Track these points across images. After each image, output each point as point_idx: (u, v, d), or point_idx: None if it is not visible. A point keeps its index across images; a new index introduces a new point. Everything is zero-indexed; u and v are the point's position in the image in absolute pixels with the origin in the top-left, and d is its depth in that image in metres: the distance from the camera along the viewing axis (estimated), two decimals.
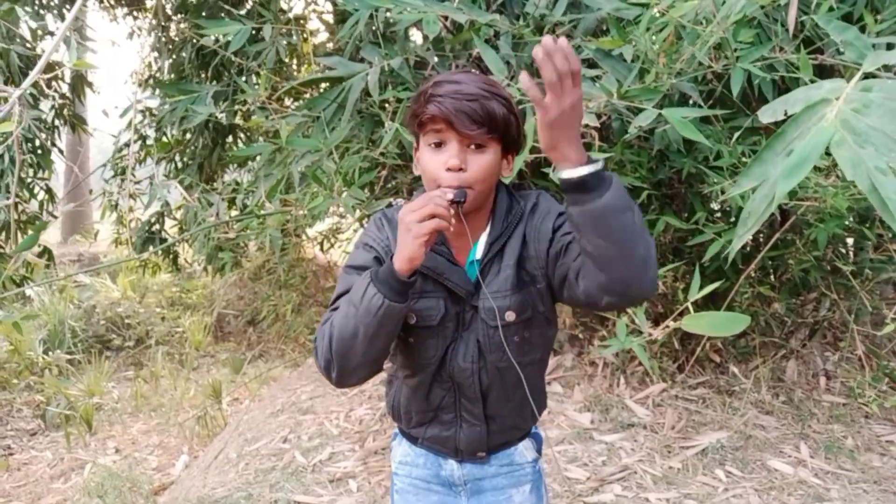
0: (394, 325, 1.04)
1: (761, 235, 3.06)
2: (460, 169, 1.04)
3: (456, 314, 1.13)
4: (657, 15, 1.81)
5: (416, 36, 3.18)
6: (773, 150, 0.76)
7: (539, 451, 1.33)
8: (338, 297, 1.12)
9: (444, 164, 1.05)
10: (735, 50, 1.66)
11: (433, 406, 1.20)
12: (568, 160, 0.92)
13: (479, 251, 1.13)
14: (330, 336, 1.05)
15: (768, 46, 1.67)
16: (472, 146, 1.05)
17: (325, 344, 1.06)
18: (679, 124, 1.60)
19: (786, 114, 0.80)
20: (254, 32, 3.92)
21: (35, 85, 3.97)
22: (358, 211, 2.69)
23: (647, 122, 1.62)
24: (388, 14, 2.06)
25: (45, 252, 4.30)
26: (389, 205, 1.25)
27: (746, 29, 1.72)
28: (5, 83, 3.64)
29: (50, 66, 4.44)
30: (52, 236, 10.37)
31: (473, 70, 1.17)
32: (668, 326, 1.46)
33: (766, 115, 0.83)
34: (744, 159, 2.00)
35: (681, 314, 1.66)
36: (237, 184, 3.39)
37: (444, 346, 1.14)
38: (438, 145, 1.06)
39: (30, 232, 4.23)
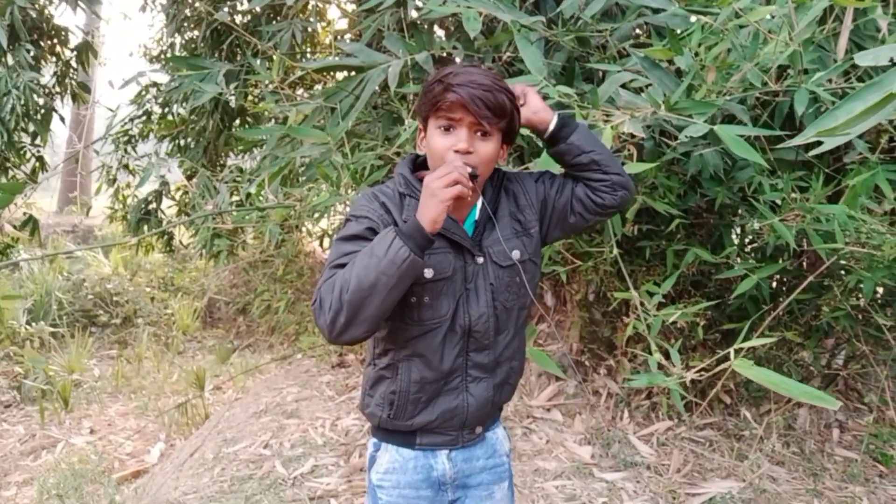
0: (409, 281, 1.11)
1: (786, 278, 2.90)
2: (468, 152, 1.15)
3: (462, 268, 1.23)
4: (709, 24, 1.65)
5: (437, 31, 3.00)
6: (870, 90, 0.76)
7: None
8: (334, 264, 1.16)
9: (452, 147, 1.15)
10: (801, 70, 1.50)
11: (445, 371, 1.24)
12: (548, 117, 1.28)
13: (476, 215, 1.27)
14: (342, 287, 1.09)
15: (838, 69, 1.51)
16: (479, 133, 1.17)
17: (336, 294, 1.09)
18: (733, 142, 1.46)
19: (892, 61, 0.84)
20: (271, 14, 3.75)
21: (38, 46, 3.79)
22: None
23: (697, 134, 1.47)
24: (420, 4, 1.90)
25: (30, 221, 4.10)
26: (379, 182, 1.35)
27: (811, 50, 1.57)
28: (8, 41, 3.46)
29: (57, 30, 4.28)
30: (48, 205, 10.19)
31: (482, 65, 1.27)
32: (708, 367, 1.31)
33: (867, 59, 0.85)
34: (793, 195, 1.84)
35: (718, 358, 1.49)
36: (241, 171, 3.21)
37: (455, 299, 1.23)
38: (447, 129, 1.17)
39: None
